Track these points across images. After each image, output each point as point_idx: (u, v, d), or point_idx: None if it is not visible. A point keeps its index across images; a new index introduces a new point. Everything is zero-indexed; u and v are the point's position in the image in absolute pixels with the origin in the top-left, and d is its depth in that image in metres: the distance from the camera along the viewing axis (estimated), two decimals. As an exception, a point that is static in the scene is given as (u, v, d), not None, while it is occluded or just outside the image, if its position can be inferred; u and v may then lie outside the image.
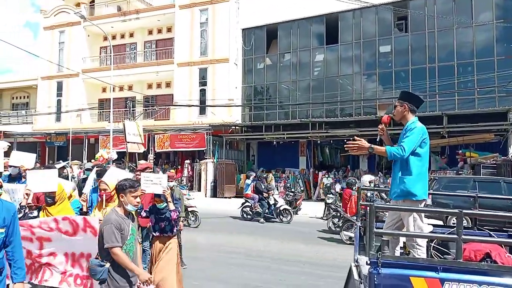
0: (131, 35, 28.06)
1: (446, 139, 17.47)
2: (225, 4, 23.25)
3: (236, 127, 22.44)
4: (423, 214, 3.75)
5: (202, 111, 23.53)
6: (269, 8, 22.39)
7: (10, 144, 8.20)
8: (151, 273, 4.59)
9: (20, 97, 32.32)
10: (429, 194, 4.08)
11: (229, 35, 23.07)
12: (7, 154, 7.57)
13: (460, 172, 16.11)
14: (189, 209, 11.31)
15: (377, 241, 3.17)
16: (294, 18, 21.96)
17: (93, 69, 26.82)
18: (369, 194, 9.10)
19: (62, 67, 26.71)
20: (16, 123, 29.19)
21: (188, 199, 11.93)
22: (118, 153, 19.34)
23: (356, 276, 3.35)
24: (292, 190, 17.22)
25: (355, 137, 3.83)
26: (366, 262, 2.82)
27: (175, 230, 4.98)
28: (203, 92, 23.78)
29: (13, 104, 32.59)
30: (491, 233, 3.97)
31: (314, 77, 21.88)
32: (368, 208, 2.98)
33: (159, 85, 26.99)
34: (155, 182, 4.69)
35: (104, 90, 27.95)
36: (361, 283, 3.11)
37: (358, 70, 20.78)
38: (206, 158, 21.22)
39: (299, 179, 21.02)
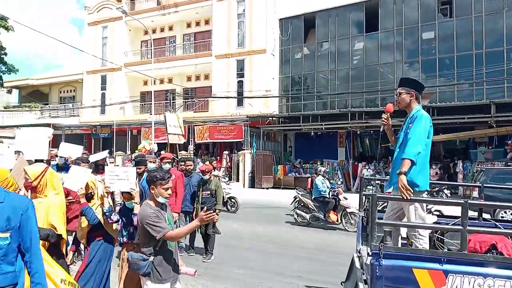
0: (170, 28, 28.61)
1: (494, 129, 16.65)
2: (262, -6, 23.18)
3: (273, 118, 22.46)
4: (424, 204, 3.62)
5: (240, 102, 23.71)
6: (307, -3, 22.11)
7: (53, 131, 8.59)
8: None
9: (67, 91, 33.88)
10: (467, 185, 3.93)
11: (266, 26, 23.02)
12: (53, 144, 8.02)
13: (509, 164, 15.34)
14: (227, 196, 11.95)
15: (380, 231, 3.11)
16: (332, 6, 21.56)
17: (134, 62, 27.63)
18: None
19: (106, 61, 27.70)
20: (64, 116, 30.66)
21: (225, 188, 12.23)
22: (159, 144, 19.97)
23: (358, 267, 3.31)
24: (331, 181, 17.05)
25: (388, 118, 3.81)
26: (368, 253, 2.77)
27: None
28: (240, 84, 23.94)
29: (61, 98, 34.24)
30: (497, 223, 3.83)
31: (353, 66, 21.44)
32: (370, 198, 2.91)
33: (198, 78, 27.42)
34: (121, 178, 4.10)
35: (145, 83, 28.77)
36: (363, 274, 3.06)
37: (399, 58, 20.15)
38: (244, 149, 21.42)
39: (337, 170, 20.79)
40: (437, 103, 18.24)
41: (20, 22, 35.54)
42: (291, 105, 22.97)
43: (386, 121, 3.86)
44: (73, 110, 30.88)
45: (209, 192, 6.91)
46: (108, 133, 25.67)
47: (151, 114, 21.52)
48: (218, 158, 23.69)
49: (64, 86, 33.64)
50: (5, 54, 26.67)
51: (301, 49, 23.06)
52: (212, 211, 3.05)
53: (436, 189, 14.53)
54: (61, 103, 33.52)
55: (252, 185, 20.86)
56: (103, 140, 27.51)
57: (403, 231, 3.81)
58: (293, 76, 23.31)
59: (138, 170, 6.11)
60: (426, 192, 3.70)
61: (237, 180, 21.20)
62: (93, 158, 6.57)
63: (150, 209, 3.23)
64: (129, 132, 25.34)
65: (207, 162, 8.23)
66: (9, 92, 32.32)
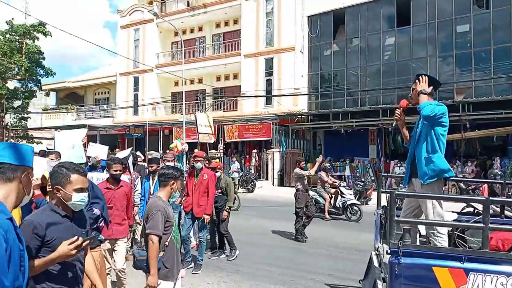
0: (200, 29, 29.00)
1: (535, 124, 15.93)
2: (290, -8, 23.10)
3: (302, 116, 22.36)
4: (442, 201, 3.53)
5: (269, 101, 23.75)
6: (336, -7, 21.84)
7: (87, 131, 8.90)
8: None
9: (102, 93, 34.98)
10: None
11: (295, 23, 22.94)
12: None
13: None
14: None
15: (399, 229, 3.04)
16: (362, 1, 21.21)
17: (165, 64, 28.20)
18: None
19: (138, 63, 28.42)
20: (99, 117, 31.68)
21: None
22: (190, 143, 20.30)
23: (376, 265, 3.26)
24: (362, 180, 16.83)
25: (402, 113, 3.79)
26: (387, 251, 2.71)
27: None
28: (269, 82, 23.98)
29: (95, 100, 35.40)
30: None
31: (384, 62, 21.03)
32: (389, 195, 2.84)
33: (227, 77, 27.67)
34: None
35: (176, 83, 29.30)
36: (382, 272, 3.01)
37: (432, 53, 19.59)
38: (273, 148, 21.45)
39: (369, 168, 20.47)
40: (472, 98, 17.64)
41: (57, 27, 36.93)
42: (320, 102, 22.79)
43: (399, 116, 3.83)
44: (107, 111, 31.86)
45: (220, 190, 6.80)
46: (141, 133, 26.29)
47: (182, 114, 21.90)
48: (247, 156, 23.86)
49: (99, 88, 34.75)
50: (43, 58, 27.81)
51: (331, 46, 22.83)
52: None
53: (472, 186, 14.08)
54: (96, 105, 34.65)
55: (281, 183, 20.86)
56: (136, 140, 28.24)
57: (422, 229, 3.74)
58: (322, 73, 23.12)
59: (150, 168, 6.33)
60: (449, 186, 3.64)
61: (266, 179, 21.27)
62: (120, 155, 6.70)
63: (162, 203, 3.26)
64: (161, 132, 25.89)
65: (216, 160, 7.96)
66: (47, 94, 33.67)
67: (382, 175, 4.57)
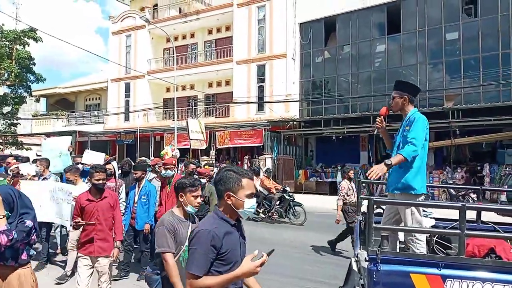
0: (192, 35, 29.01)
1: (523, 130, 16.13)
2: (282, -1, 23.24)
3: (294, 123, 22.40)
4: (421, 208, 3.57)
5: (261, 107, 23.78)
6: (327, 0, 22.03)
7: (72, 147, 8.66)
8: None
9: (93, 99, 34.76)
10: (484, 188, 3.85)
11: (287, 30, 23.06)
12: (79, 151, 8.24)
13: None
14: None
15: (378, 236, 3.04)
16: (353, 9, 21.41)
17: (157, 70, 28.13)
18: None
19: (130, 69, 28.31)
20: (90, 123, 31.45)
21: None
22: (182, 149, 20.20)
23: (356, 271, 3.26)
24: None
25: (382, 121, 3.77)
26: (365, 258, 2.71)
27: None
28: (261, 89, 24.01)
29: (86, 106, 35.16)
30: (496, 226, 3.72)
31: (375, 69, 21.20)
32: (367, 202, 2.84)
33: (219, 84, 27.67)
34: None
35: (168, 90, 29.23)
36: (361, 279, 3.01)
37: (422, 60, 19.80)
38: (265, 154, 21.43)
39: (360, 175, 20.52)
40: (462, 105, 17.81)
41: (48, 33, 36.65)
42: (312, 109, 22.86)
43: (380, 124, 3.84)
44: (98, 118, 31.64)
45: (202, 199, 6.56)
46: (132, 139, 26.15)
47: (173, 120, 21.83)
48: (239, 162, 23.79)
49: (90, 94, 34.54)
50: (34, 64, 27.59)
51: (322, 53, 22.96)
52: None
53: (462, 193, 14.17)
54: (86, 111, 34.40)
55: (274, 189, 20.78)
56: (127, 146, 28.05)
57: (401, 236, 3.76)
58: (314, 80, 23.22)
59: (134, 175, 6.06)
60: (423, 196, 3.67)
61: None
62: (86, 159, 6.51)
63: (170, 218, 3.02)
64: (153, 138, 25.75)
65: (206, 166, 7.77)
66: (37, 100, 33.39)
67: (362, 181, 4.58)
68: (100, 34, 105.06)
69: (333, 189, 19.15)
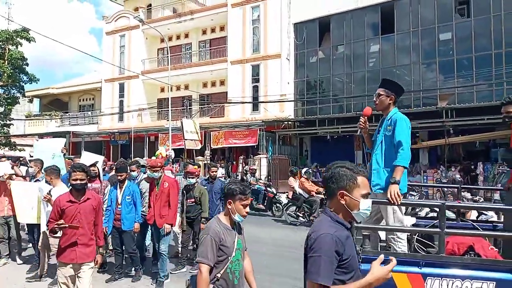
0: (186, 35, 28.94)
1: (515, 129, 16.24)
2: (276, -1, 23.26)
3: (289, 122, 22.42)
4: (403, 207, 3.59)
5: (255, 107, 23.77)
6: (321, 1, 22.08)
7: (66, 148, 8.55)
8: None
9: (87, 99, 34.55)
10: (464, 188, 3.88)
11: (281, 31, 23.07)
12: (73, 151, 8.16)
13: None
14: None
15: (359, 235, 3.06)
16: (347, 9, 21.47)
17: (151, 70, 28.03)
18: None
19: (124, 70, 28.18)
20: (83, 124, 31.26)
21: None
22: (177, 150, 20.14)
23: None
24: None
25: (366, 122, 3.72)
26: None
27: None
28: (256, 89, 24.01)
29: (80, 106, 34.95)
30: (475, 224, 3.78)
31: (369, 69, 21.27)
32: None
33: (213, 84, 27.62)
34: None
35: (162, 90, 29.13)
36: None
37: (416, 60, 19.90)
38: (260, 154, 21.43)
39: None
40: (455, 104, 17.92)
41: (41, 33, 36.39)
42: (306, 109, 22.89)
43: (363, 124, 3.81)
44: (92, 118, 31.46)
45: (193, 199, 6.48)
46: (126, 139, 26.03)
47: (168, 120, 21.76)
48: (234, 163, 23.78)
49: (83, 94, 34.34)
50: (27, 64, 27.37)
51: (316, 53, 23.00)
52: None
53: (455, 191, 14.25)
54: (80, 111, 34.19)
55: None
56: (121, 147, 27.92)
57: (382, 234, 3.77)
58: (308, 80, 23.25)
59: (119, 177, 5.93)
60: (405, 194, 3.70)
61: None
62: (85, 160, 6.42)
63: (216, 225, 2.77)
64: (147, 138, 25.66)
65: (194, 166, 7.63)
66: (30, 101, 33.13)
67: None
68: (94, 34, 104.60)
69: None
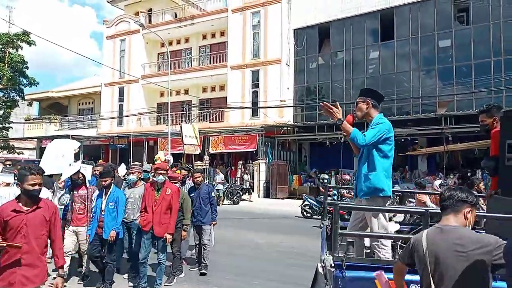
0: (187, 40, 29.02)
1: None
2: (277, 5, 23.37)
3: (288, 128, 22.45)
4: (387, 213, 3.61)
5: (255, 112, 23.80)
6: (321, 7, 22.20)
7: (78, 149, 8.05)
8: None
9: (86, 103, 34.56)
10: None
11: (281, 36, 23.16)
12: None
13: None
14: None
15: (344, 241, 3.09)
16: (347, 15, 21.57)
17: (151, 74, 28.09)
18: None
19: (124, 74, 28.22)
20: (83, 128, 31.26)
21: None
22: (176, 154, 20.14)
23: (322, 277, 3.28)
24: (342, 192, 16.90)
25: (337, 104, 3.68)
26: (330, 264, 2.72)
27: None
28: (255, 94, 24.05)
29: (79, 110, 34.95)
30: None
31: (368, 75, 21.34)
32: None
33: (213, 89, 27.67)
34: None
35: (162, 94, 29.16)
36: (327, 285, 3.05)
37: (415, 67, 19.97)
38: (259, 159, 21.43)
39: (354, 180, 20.57)
40: (454, 111, 17.97)
41: (42, 37, 36.50)
42: (305, 114, 22.93)
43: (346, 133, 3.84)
44: (91, 122, 31.47)
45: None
46: (125, 144, 26.04)
47: (167, 125, 21.78)
48: (233, 168, 23.77)
49: (83, 98, 34.36)
50: (27, 67, 27.42)
51: (316, 59, 23.08)
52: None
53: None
54: (79, 115, 34.20)
55: (267, 195, 20.80)
56: (120, 151, 27.90)
57: (367, 241, 3.79)
58: (308, 86, 23.31)
59: (103, 183, 5.64)
60: (390, 201, 3.71)
61: (252, 190, 21.16)
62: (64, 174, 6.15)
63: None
64: (146, 143, 25.65)
65: (178, 170, 7.45)
66: (30, 104, 33.15)
67: (328, 186, 4.60)
68: (94, 38, 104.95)
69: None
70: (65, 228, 5.66)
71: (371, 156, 3.63)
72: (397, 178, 19.17)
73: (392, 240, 3.68)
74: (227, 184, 19.62)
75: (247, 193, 19.45)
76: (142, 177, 6.41)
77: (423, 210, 2.74)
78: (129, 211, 6.05)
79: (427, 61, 19.82)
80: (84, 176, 6.01)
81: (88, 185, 6.10)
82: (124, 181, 7.29)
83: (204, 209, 6.57)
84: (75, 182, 5.87)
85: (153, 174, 6.59)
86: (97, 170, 6.88)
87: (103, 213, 5.57)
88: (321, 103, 3.74)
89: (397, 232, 3.92)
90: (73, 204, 5.82)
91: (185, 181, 7.46)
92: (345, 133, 3.65)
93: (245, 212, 15.12)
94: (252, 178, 21.63)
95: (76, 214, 5.78)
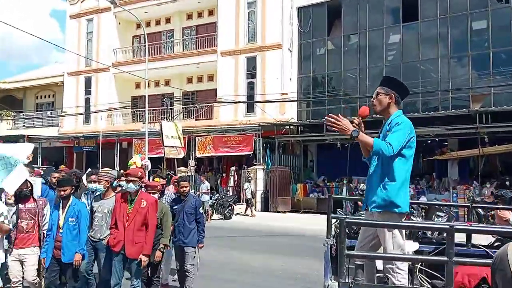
0: (168, 20, 29.03)
1: None
2: (277, -22, 23.42)
3: (291, 127, 22.46)
4: (403, 230, 3.58)
5: (250, 108, 23.80)
6: (331, -19, 22.25)
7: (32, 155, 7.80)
8: None
9: (45, 97, 34.47)
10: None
11: (282, 16, 23.18)
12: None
13: None
14: None
15: (351, 263, 3.08)
16: (361, -9, 21.65)
17: (125, 62, 28.08)
18: None
19: (91, 61, 28.16)
20: (41, 126, 31.12)
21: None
22: (154, 159, 20.09)
23: None
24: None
25: (338, 115, 3.61)
26: None
27: None
28: (251, 86, 24.06)
29: (37, 105, 34.85)
30: (489, 251, 3.78)
31: (387, 63, 21.40)
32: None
33: (200, 79, 27.67)
34: None
35: (137, 86, 29.14)
36: None
37: (444, 53, 20.04)
38: (255, 164, 21.42)
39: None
40: (492, 107, 18.02)
41: (-9, 16, 36.42)
42: (312, 110, 22.95)
43: (356, 127, 3.75)
44: (52, 119, 31.34)
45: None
46: (93, 146, 25.94)
47: (144, 123, 21.73)
48: (224, 175, 23.75)
49: (42, 90, 34.25)
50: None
51: (325, 44, 23.12)
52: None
53: (493, 212, 14.28)
54: (37, 111, 34.08)
55: (266, 208, 20.78)
56: (87, 155, 27.81)
57: (379, 264, 3.73)
58: (315, 76, 23.34)
59: (62, 193, 5.52)
60: (406, 215, 3.69)
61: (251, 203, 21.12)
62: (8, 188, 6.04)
63: None
64: (118, 144, 25.59)
65: (156, 178, 7.39)
66: (-23, 98, 32.97)
67: (332, 196, 4.56)
68: (55, 17, 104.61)
69: (338, 208, 19.17)
70: (8, 253, 5.52)
71: (386, 162, 3.59)
72: (422, 187, 19.22)
73: (410, 263, 3.65)
74: (217, 195, 19.57)
75: (246, 206, 19.27)
76: (119, 186, 6.35)
77: (447, 226, 2.72)
78: (96, 229, 5.93)
79: (458, 46, 19.89)
80: (31, 185, 5.89)
81: (36, 196, 5.98)
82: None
83: (187, 226, 6.45)
84: (20, 194, 5.67)
85: (118, 183, 6.49)
86: (55, 177, 6.82)
87: (61, 230, 5.46)
88: (325, 118, 3.69)
89: (417, 252, 3.91)
90: (19, 221, 5.60)
91: (164, 191, 7.40)
92: (365, 147, 3.63)
93: (239, 229, 15.10)
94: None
95: (22, 234, 5.59)
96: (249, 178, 20.16)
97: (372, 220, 3.61)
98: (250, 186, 19.60)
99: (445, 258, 2.68)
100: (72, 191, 5.70)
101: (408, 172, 3.62)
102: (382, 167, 3.63)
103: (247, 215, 19.00)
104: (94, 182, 6.19)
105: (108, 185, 6.12)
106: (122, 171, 8.02)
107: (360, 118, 3.77)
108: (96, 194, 6.26)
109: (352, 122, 3.67)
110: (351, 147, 4.16)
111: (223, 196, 19.40)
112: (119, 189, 6.45)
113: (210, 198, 18.13)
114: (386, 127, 3.70)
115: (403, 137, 3.51)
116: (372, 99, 3.87)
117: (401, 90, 3.85)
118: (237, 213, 19.06)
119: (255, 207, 20.80)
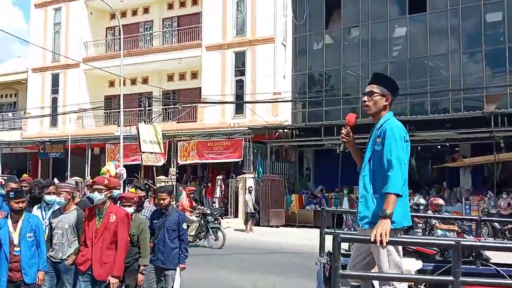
0: (146, 10, 28.98)
1: None
2: (269, -36, 23.51)
3: (285, 130, 22.47)
4: (400, 247, 3.56)
5: (239, 109, 23.80)
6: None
7: None
8: None
9: (6, 96, 34.21)
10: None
11: (275, 6, 23.24)
12: None
13: None
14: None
15: (345, 284, 3.09)
16: (363, -21, 21.81)
17: (97, 57, 27.99)
18: None
19: (59, 56, 27.99)
20: (1, 129, 30.87)
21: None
22: (130, 166, 20.01)
23: None
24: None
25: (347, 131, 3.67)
26: None
27: None
28: (240, 84, 24.08)
29: (-3, 105, 34.56)
30: (499, 269, 3.80)
31: (392, 59, 21.53)
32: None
33: (182, 76, 27.63)
34: None
35: (111, 84, 29.04)
36: None
37: (455, 48, 20.20)
38: (245, 173, 21.40)
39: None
40: (508, 108, 18.18)
41: None
42: (308, 112, 23.01)
43: (346, 137, 3.80)
44: (14, 121, 31.10)
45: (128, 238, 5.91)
46: (61, 152, 25.79)
47: (119, 125, 21.64)
48: (209, 185, 23.69)
49: (2, 89, 34.00)
50: None
51: (322, 37, 23.22)
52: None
53: (510, 226, 14.42)
54: (-3, 112, 33.80)
55: (257, 222, 20.73)
56: (53, 162, 27.63)
57: (376, 284, 3.73)
58: (311, 73, 23.42)
59: (16, 205, 5.31)
60: (404, 230, 3.68)
61: (235, 216, 21.09)
62: None
63: None
64: (90, 150, 25.45)
65: (132, 189, 7.30)
66: None
67: (325, 209, 4.55)
68: (18, 6, 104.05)
69: (337, 221, 19.20)
70: None
71: (377, 172, 3.56)
72: (432, 198, 19.29)
73: (413, 284, 3.65)
74: (202, 207, 19.19)
75: (246, 221, 18.97)
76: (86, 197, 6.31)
77: (453, 242, 2.73)
78: (56, 247, 5.82)
79: (470, 40, 20.07)
80: None
81: None
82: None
83: (169, 245, 6.31)
84: None
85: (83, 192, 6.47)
86: (10, 187, 6.74)
87: (16, 249, 5.29)
88: (341, 136, 3.74)
89: (419, 272, 3.92)
90: None
91: (142, 204, 7.34)
92: (358, 158, 3.74)
93: (227, 245, 15.05)
94: (236, 198, 21.55)
95: None
96: (250, 188, 19.93)
97: (365, 236, 3.54)
98: (252, 197, 19.38)
99: (451, 278, 2.69)
100: (23, 203, 5.47)
101: (404, 182, 3.53)
102: (371, 178, 3.60)
103: (247, 231, 18.70)
104: (54, 194, 6.08)
105: (69, 197, 5.99)
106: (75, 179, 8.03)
107: (348, 127, 3.78)
108: (55, 208, 6.15)
109: (340, 134, 3.73)
110: (351, 154, 4.15)
111: (209, 209, 18.99)
112: (77, 200, 6.40)
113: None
114: (376, 133, 3.67)
115: (402, 148, 3.46)
116: (364, 99, 3.82)
117: (396, 90, 3.84)
118: (236, 229, 18.81)
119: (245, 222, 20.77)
